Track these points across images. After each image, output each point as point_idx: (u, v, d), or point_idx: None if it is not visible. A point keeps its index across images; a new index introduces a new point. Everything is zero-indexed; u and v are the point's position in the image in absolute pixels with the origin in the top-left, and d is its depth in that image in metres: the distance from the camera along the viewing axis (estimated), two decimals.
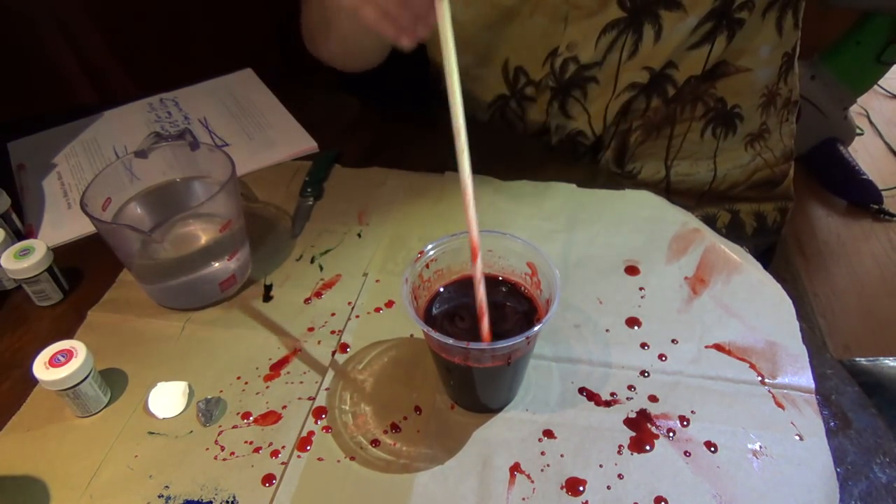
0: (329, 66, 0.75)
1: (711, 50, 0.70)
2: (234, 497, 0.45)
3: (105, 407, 0.51)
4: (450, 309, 0.48)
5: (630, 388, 0.50)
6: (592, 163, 0.80)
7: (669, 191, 0.81)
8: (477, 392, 0.48)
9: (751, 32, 0.70)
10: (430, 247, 0.47)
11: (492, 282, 0.48)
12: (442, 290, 0.48)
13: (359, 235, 0.64)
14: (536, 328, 0.42)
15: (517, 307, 0.47)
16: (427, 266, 0.47)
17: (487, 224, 0.64)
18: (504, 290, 0.48)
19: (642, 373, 0.50)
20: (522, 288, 0.48)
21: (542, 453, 0.46)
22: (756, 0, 0.67)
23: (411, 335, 0.54)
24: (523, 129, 0.82)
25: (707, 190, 0.81)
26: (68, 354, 0.48)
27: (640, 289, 0.57)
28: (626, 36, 0.69)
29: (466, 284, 0.48)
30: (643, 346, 0.52)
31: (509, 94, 0.80)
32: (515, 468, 0.45)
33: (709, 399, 0.49)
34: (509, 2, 0.71)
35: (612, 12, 0.68)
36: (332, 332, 0.55)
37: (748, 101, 0.76)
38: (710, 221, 0.80)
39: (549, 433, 0.47)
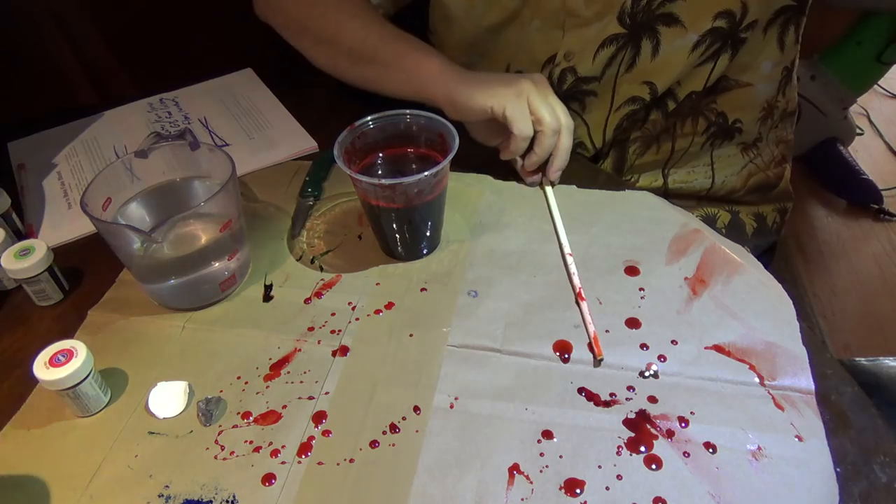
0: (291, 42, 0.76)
1: (714, 67, 0.70)
2: (234, 497, 0.45)
3: (105, 407, 0.51)
4: (381, 171, 0.60)
5: (629, 388, 0.50)
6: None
7: (668, 196, 0.81)
8: (387, 233, 0.60)
9: (753, 49, 0.70)
10: (368, 118, 0.59)
11: (415, 157, 0.60)
12: (377, 160, 0.60)
13: (359, 237, 0.64)
14: (438, 167, 0.53)
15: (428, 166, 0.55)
16: (359, 137, 0.58)
17: (488, 224, 0.65)
18: (421, 159, 0.60)
19: (641, 374, 0.50)
20: (436, 156, 0.59)
21: (541, 454, 0.46)
22: (759, 18, 0.67)
23: (411, 335, 0.54)
24: None
25: (705, 195, 0.81)
26: (68, 354, 0.48)
27: (640, 289, 0.57)
28: (624, 51, 0.69)
29: (395, 158, 0.61)
30: (643, 346, 0.52)
31: None
32: (514, 469, 0.45)
33: (708, 400, 0.49)
34: (511, 4, 0.71)
35: (612, 27, 0.68)
36: (333, 333, 0.55)
37: (749, 116, 0.76)
38: (710, 221, 0.80)
39: (547, 434, 0.47)
